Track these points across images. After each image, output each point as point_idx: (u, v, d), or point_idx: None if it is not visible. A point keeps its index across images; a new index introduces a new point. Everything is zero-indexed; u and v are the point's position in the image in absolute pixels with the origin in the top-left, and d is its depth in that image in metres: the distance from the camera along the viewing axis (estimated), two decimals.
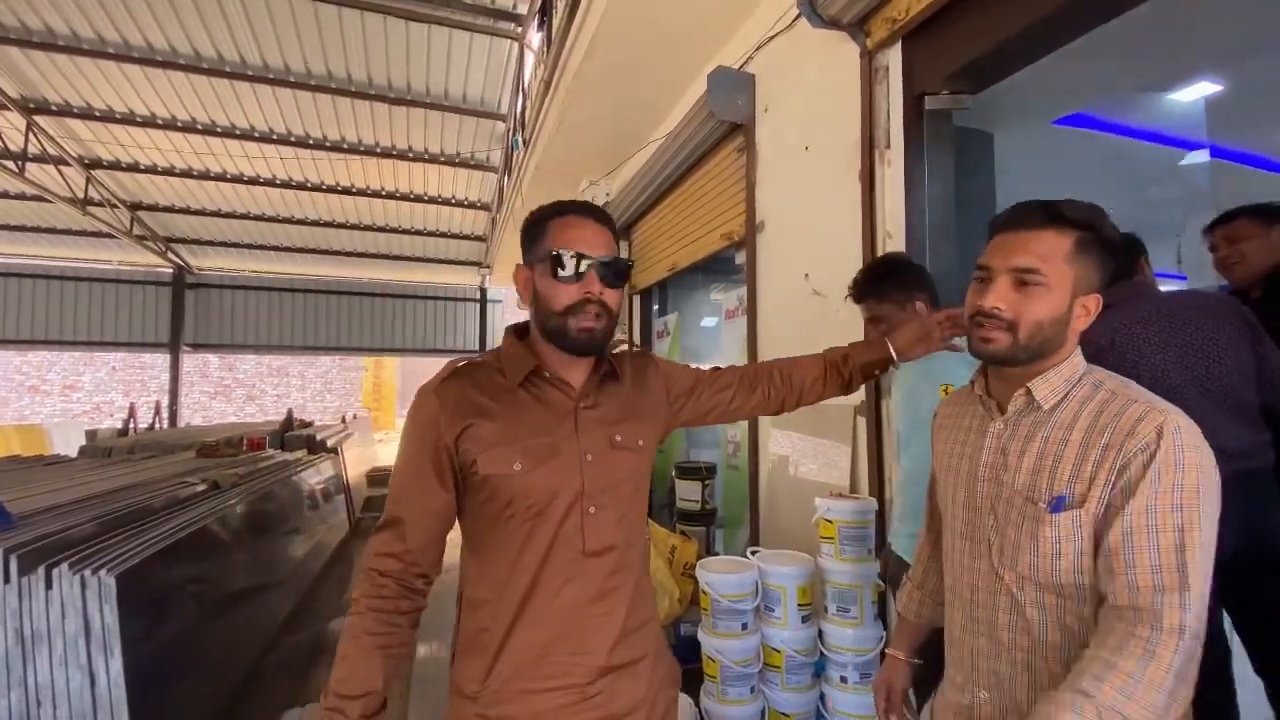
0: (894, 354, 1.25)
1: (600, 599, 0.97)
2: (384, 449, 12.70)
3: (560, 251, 0.95)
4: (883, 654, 1.30)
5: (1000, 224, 0.91)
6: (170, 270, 11.54)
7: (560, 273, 0.95)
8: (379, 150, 7.45)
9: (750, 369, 1.25)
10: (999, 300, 0.85)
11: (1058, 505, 0.82)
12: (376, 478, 8.28)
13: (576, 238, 0.97)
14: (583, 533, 0.96)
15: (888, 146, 2.10)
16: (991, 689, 0.90)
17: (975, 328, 0.89)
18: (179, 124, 6.89)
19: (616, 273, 0.99)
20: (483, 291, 13.02)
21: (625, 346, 1.17)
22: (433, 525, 0.97)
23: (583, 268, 0.95)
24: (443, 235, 10.43)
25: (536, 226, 1.02)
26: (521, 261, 1.05)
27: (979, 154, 2.44)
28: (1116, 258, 0.89)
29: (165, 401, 11.49)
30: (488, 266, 10.59)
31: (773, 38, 2.67)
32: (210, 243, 10.64)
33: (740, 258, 3.12)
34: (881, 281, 1.63)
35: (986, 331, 0.87)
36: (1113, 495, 0.79)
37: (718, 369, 1.24)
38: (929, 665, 1.18)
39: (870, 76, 2.15)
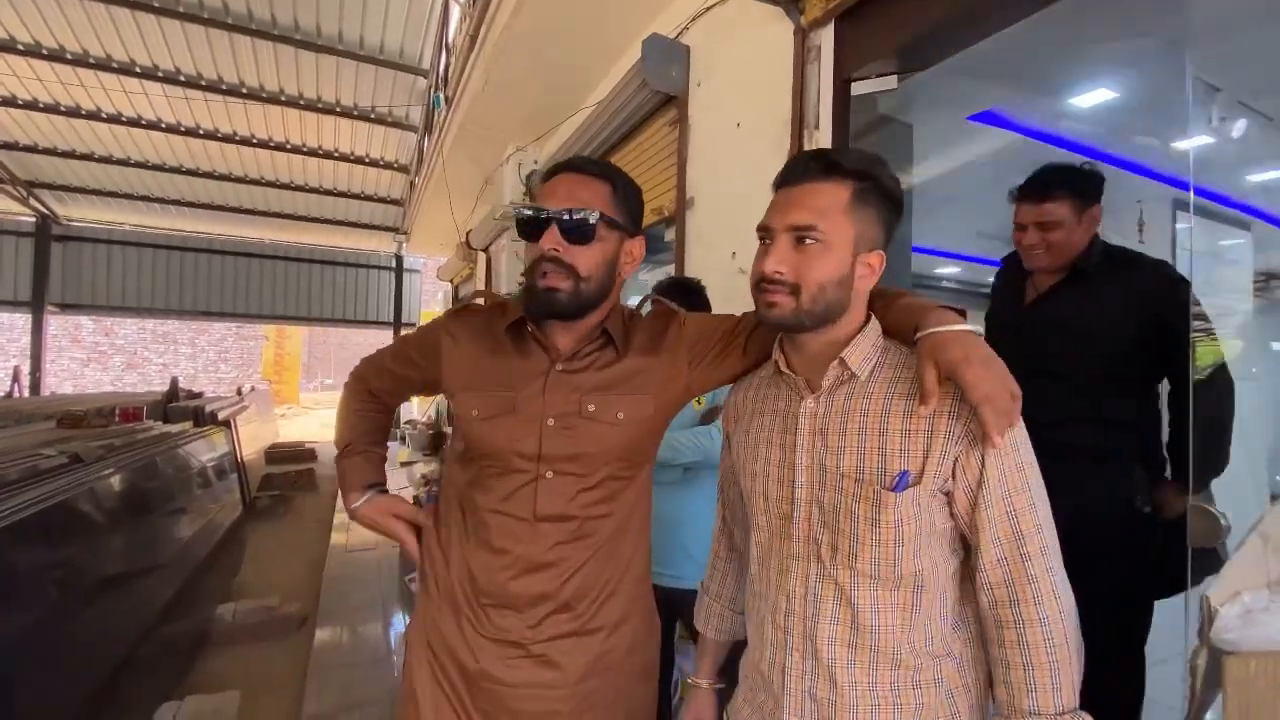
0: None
1: (549, 566, 0.95)
2: (287, 424, 11.93)
3: (517, 209, 0.95)
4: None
5: (779, 180, 0.85)
6: (33, 219, 10.20)
7: (521, 233, 0.95)
8: (283, 98, 6.84)
9: None
10: (779, 263, 0.79)
11: (900, 483, 0.75)
12: (278, 455, 7.76)
13: (545, 192, 0.95)
14: (535, 496, 0.95)
15: (816, 127, 2.11)
16: (808, 715, 0.79)
17: (759, 294, 0.82)
18: (44, 51, 6.02)
19: (579, 227, 0.92)
20: (398, 259, 12.36)
21: (651, 303, 1.12)
22: (398, 387, 1.15)
23: (538, 223, 0.92)
24: (354, 196, 9.78)
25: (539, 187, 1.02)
26: None
27: (900, 142, 2.50)
28: (898, 211, 0.83)
29: (26, 367, 10.23)
30: (405, 233, 10.05)
31: (709, 8, 2.62)
32: (82, 190, 9.46)
33: (669, 234, 3.08)
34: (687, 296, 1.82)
35: (770, 296, 0.80)
36: (961, 465, 0.75)
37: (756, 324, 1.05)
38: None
39: (803, 55, 2.15)
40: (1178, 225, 3.36)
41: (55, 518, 2.13)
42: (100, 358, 12.58)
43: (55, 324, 11.24)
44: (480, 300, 1.10)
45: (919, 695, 0.76)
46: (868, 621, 0.77)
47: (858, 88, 2.07)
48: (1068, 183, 1.56)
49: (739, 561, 1.05)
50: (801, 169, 0.82)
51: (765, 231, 0.83)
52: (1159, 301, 1.48)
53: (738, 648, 1.07)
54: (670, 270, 3.02)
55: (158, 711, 2.12)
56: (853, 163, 0.80)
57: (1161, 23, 2.10)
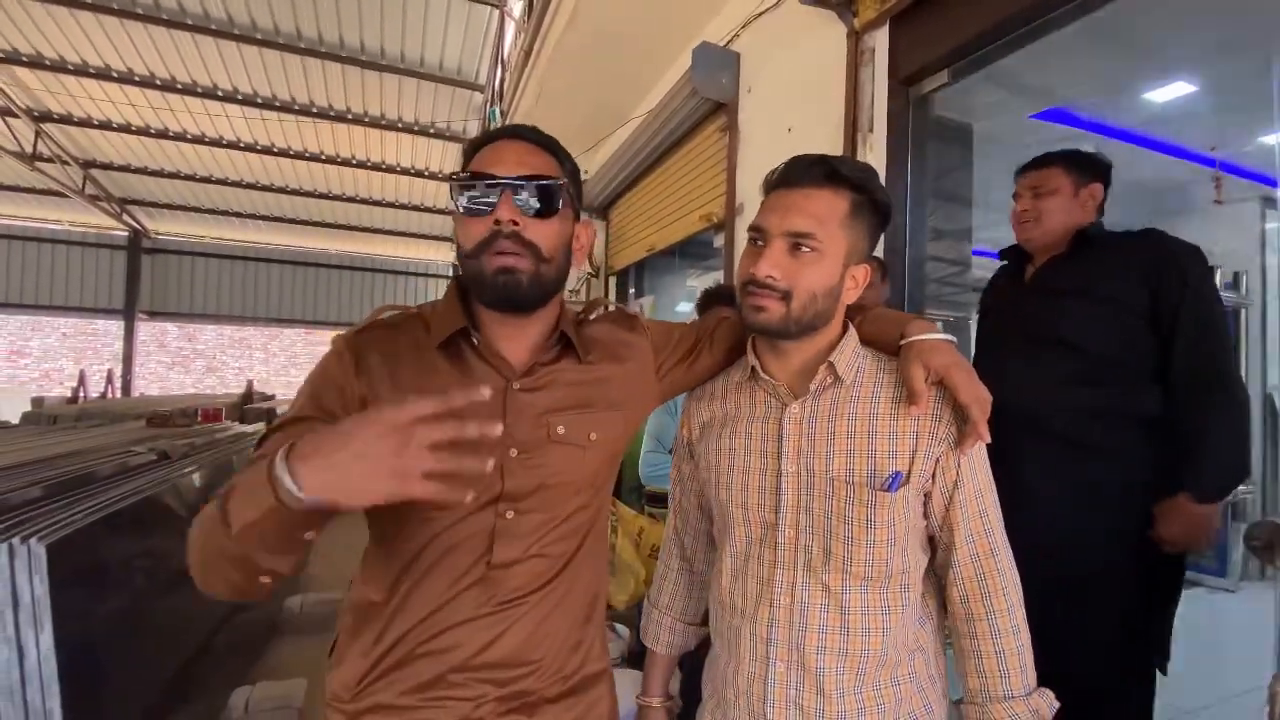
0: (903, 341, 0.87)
1: (508, 620, 0.76)
2: None
3: (458, 176, 0.76)
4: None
5: (776, 180, 0.82)
6: (125, 233, 11.06)
7: (464, 204, 0.76)
8: (350, 116, 7.21)
9: None
10: (773, 268, 0.77)
11: (894, 483, 0.76)
12: None
13: (489, 159, 0.77)
14: (492, 542, 0.75)
15: (870, 130, 2.07)
16: None
17: (746, 296, 0.79)
18: (136, 78, 6.55)
19: (543, 197, 0.75)
20: (455, 268, 12.76)
21: (604, 308, 0.95)
22: None
23: (489, 194, 0.74)
24: (415, 209, 10.18)
25: (463, 160, 0.80)
26: None
27: (958, 144, 2.43)
28: (884, 225, 0.83)
29: (119, 370, 11.05)
30: None
31: (760, 15, 2.62)
32: (169, 206, 10.21)
33: (718, 240, 3.08)
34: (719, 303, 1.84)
35: (759, 300, 0.78)
36: (941, 466, 0.78)
37: (719, 325, 0.99)
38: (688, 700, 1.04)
39: (856, 58, 2.12)
40: (1267, 225, 3.14)
41: (144, 511, 2.28)
42: (183, 362, 13.43)
43: (144, 330, 12.11)
44: (387, 314, 0.84)
45: (898, 691, 0.78)
46: (858, 624, 0.77)
47: (914, 88, 2.03)
48: (1065, 155, 1.51)
49: (690, 572, 1.01)
50: (803, 172, 0.79)
51: (759, 233, 0.80)
52: (1167, 265, 1.33)
53: (686, 660, 1.03)
54: (719, 276, 3.02)
55: (232, 695, 2.25)
56: (852, 173, 0.79)
57: (1245, 9, 1.98)
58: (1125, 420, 1.34)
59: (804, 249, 0.77)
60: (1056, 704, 0.77)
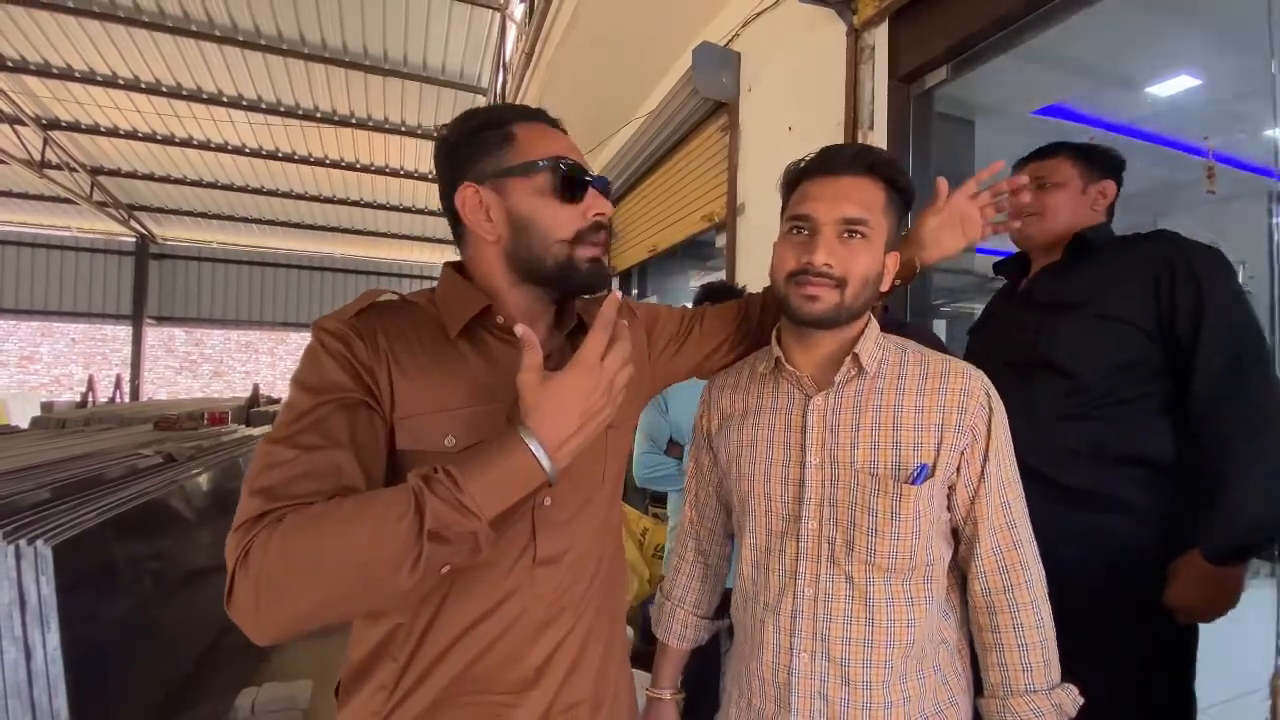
0: (915, 258, 0.94)
1: (552, 621, 0.72)
2: None
3: (562, 162, 0.73)
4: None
5: (812, 169, 0.82)
6: (133, 239, 11.14)
7: (565, 190, 0.73)
8: (354, 121, 7.25)
9: (743, 310, 0.98)
10: (829, 255, 0.77)
11: (919, 476, 0.75)
12: None
13: (565, 146, 0.76)
14: (534, 534, 0.71)
15: (871, 128, 2.07)
16: (817, 715, 0.77)
17: (797, 286, 0.78)
18: (142, 85, 6.61)
19: (608, 194, 0.80)
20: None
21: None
22: (362, 456, 0.63)
23: (585, 185, 0.75)
24: (420, 212, 10.22)
25: (494, 131, 0.74)
26: (466, 180, 0.74)
27: (960, 141, 2.43)
28: (907, 212, 0.85)
29: (127, 375, 11.13)
30: None
31: (759, 14, 2.62)
32: (175, 212, 10.30)
33: (720, 240, 3.09)
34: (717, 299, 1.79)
35: (814, 289, 0.77)
36: (966, 459, 0.77)
37: (705, 311, 0.98)
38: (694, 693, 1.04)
39: (856, 56, 2.12)
40: (1274, 220, 3.11)
41: (151, 513, 2.29)
42: (191, 366, 13.50)
43: (152, 335, 12.21)
44: (386, 298, 0.77)
45: (922, 683, 0.78)
46: (883, 616, 0.76)
47: (915, 85, 2.03)
48: (1074, 147, 1.32)
49: (704, 565, 1.00)
50: (846, 161, 0.80)
51: (805, 221, 0.79)
52: (1178, 271, 1.11)
53: (696, 656, 1.02)
54: (721, 276, 3.02)
55: (238, 696, 2.26)
56: (885, 161, 0.80)
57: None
58: (1121, 462, 1.14)
59: (855, 236, 0.77)
60: (1081, 700, 0.75)
